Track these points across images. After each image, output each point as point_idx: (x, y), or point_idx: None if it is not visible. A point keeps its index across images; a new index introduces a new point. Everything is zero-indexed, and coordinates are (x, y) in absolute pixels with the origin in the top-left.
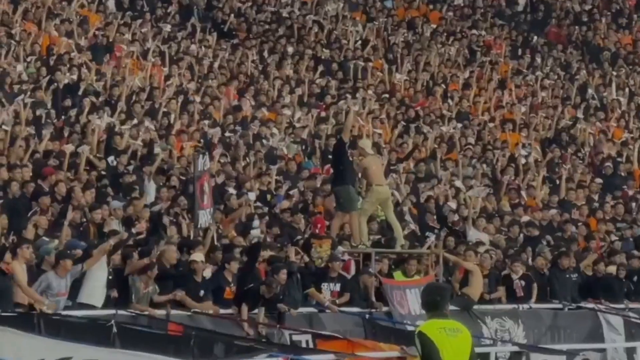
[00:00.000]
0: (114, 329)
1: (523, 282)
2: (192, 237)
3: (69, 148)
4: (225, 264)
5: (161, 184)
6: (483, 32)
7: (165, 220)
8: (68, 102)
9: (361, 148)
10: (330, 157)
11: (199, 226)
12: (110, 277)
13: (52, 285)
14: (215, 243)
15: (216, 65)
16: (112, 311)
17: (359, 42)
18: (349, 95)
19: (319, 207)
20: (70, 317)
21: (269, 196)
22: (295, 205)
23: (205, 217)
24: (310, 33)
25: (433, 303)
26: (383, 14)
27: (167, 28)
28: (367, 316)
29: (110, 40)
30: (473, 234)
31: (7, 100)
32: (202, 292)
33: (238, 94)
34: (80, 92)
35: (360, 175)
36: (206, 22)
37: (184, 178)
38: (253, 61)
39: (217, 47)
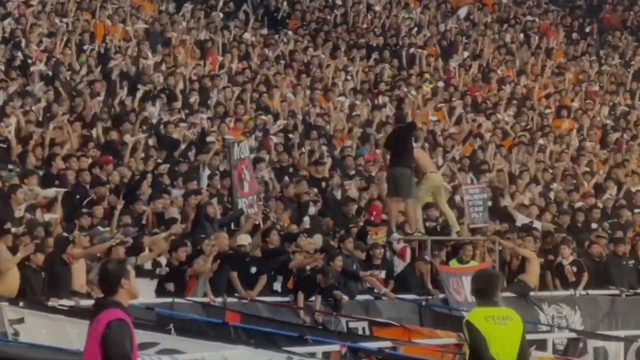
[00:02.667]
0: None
1: (575, 268)
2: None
3: (127, 138)
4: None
5: (216, 172)
6: (537, 19)
7: (211, 210)
8: (123, 92)
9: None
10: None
11: (236, 213)
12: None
13: None
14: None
15: (271, 54)
16: (169, 299)
17: (414, 29)
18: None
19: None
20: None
21: (323, 184)
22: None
23: (246, 204)
24: (364, 21)
25: (481, 291)
26: (437, 0)
27: (220, 16)
28: (423, 303)
29: (165, 29)
30: (523, 220)
31: (64, 88)
32: (254, 269)
33: (292, 84)
34: (135, 82)
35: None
36: (259, 10)
37: None
38: (306, 50)
39: (270, 35)
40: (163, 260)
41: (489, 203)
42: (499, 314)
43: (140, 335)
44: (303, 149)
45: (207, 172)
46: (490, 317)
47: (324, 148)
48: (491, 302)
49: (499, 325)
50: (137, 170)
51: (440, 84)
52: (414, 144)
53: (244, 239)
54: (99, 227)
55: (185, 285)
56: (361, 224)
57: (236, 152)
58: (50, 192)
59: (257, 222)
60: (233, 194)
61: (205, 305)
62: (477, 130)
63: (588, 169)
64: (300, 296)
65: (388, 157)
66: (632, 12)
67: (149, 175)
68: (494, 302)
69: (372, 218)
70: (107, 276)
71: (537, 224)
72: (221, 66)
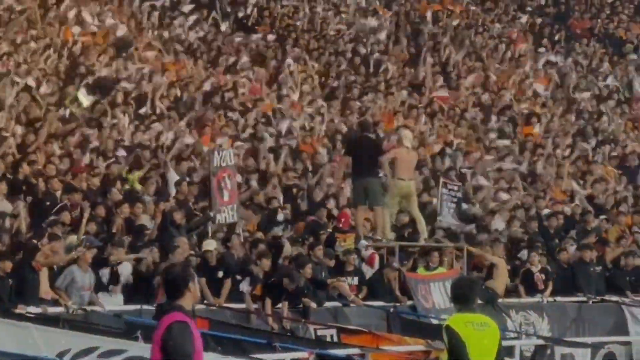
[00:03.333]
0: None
1: (543, 276)
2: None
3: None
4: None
5: (187, 178)
6: (505, 25)
7: (177, 216)
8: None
9: (399, 137)
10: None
11: (216, 222)
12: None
13: (76, 279)
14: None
15: (242, 59)
16: (138, 307)
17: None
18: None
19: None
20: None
21: (294, 190)
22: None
23: (226, 213)
24: (333, 27)
25: (462, 296)
26: (406, 7)
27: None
28: (391, 310)
29: (133, 35)
30: (494, 227)
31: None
32: (220, 273)
33: (261, 88)
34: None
35: (388, 165)
36: (229, 15)
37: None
38: (275, 55)
39: (240, 40)
40: (128, 267)
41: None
42: (477, 320)
43: (108, 343)
44: (273, 155)
45: (175, 178)
46: (469, 322)
47: (294, 154)
48: (470, 308)
49: (478, 331)
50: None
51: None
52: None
53: (210, 244)
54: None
55: (154, 292)
56: (329, 230)
57: (216, 159)
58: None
59: (238, 233)
60: (211, 202)
61: None
62: (447, 137)
63: (556, 175)
64: (268, 303)
65: (350, 164)
66: (599, 20)
67: (119, 182)
68: (473, 308)
69: (341, 225)
70: (176, 280)
71: (506, 230)
72: (190, 71)
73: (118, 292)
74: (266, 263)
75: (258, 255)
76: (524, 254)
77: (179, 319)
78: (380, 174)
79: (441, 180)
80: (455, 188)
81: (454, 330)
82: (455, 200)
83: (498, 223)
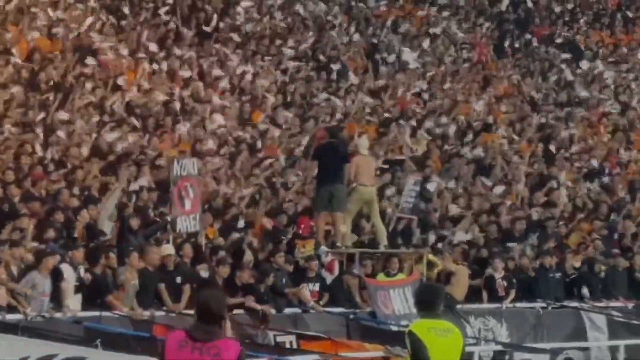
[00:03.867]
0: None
1: (506, 282)
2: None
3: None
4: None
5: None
6: (466, 32)
7: (133, 222)
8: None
9: (355, 145)
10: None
11: (177, 231)
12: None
13: (37, 285)
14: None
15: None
16: (97, 313)
17: (344, 42)
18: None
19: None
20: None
21: (257, 196)
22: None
23: (188, 222)
24: (295, 34)
25: (426, 303)
26: (366, 14)
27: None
28: (351, 316)
29: (94, 41)
30: (453, 233)
31: None
32: (179, 279)
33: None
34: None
35: (350, 173)
36: (188, 23)
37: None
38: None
39: (200, 49)
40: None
41: (422, 205)
42: (441, 326)
43: (67, 350)
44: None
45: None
46: (432, 328)
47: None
48: (434, 315)
49: (441, 337)
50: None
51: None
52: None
53: (169, 249)
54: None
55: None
56: (289, 236)
57: (176, 169)
58: None
59: (200, 243)
60: (171, 210)
61: (133, 319)
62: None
63: (516, 181)
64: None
65: (316, 170)
66: (558, 27)
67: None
68: (437, 314)
69: (301, 231)
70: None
71: (467, 236)
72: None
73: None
74: (225, 270)
75: (217, 262)
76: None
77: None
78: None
79: (409, 176)
80: (416, 183)
81: (417, 336)
82: (414, 194)
83: (458, 230)
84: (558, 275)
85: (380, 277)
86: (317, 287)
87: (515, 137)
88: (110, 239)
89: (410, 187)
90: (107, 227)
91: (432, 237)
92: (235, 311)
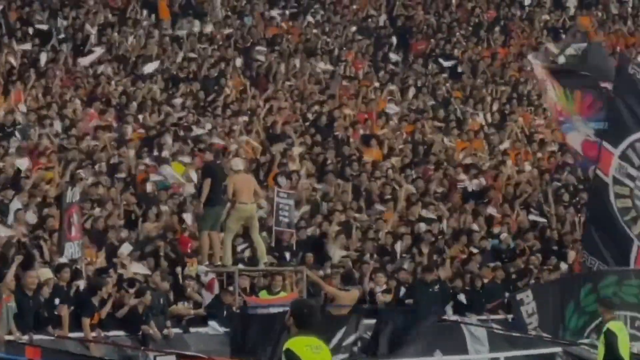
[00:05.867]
0: None
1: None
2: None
3: None
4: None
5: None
6: (344, 48)
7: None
8: None
9: (230, 166)
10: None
11: (64, 257)
12: None
13: None
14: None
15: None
16: None
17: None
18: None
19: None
20: None
21: (132, 216)
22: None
23: (73, 248)
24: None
25: (303, 319)
26: (242, 31)
27: (27, 46)
28: (231, 335)
29: None
30: (332, 250)
31: None
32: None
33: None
34: None
35: (228, 193)
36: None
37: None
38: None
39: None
40: None
41: (295, 213)
42: (314, 343)
43: None
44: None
45: (17, 205)
46: (308, 345)
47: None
48: (310, 331)
49: (315, 354)
50: None
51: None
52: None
53: (46, 274)
54: None
55: None
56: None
57: (69, 195)
58: None
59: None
60: (61, 237)
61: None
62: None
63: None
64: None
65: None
66: (435, 40)
67: None
68: (310, 332)
69: (188, 250)
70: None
71: (341, 253)
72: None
73: None
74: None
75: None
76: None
77: None
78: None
79: (275, 189)
80: (286, 196)
81: (295, 353)
82: (287, 208)
83: (333, 248)
84: (436, 288)
85: (263, 294)
86: (191, 305)
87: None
88: None
89: (280, 200)
90: None
91: (309, 255)
92: (116, 332)
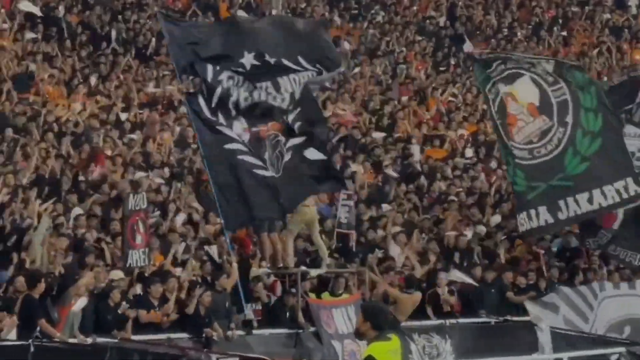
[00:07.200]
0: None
1: (451, 297)
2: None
3: None
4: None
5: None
6: (404, 49)
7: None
8: None
9: None
10: None
11: (127, 265)
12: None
13: None
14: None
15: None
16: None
17: None
18: None
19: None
20: None
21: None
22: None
23: (137, 256)
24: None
25: (378, 322)
26: None
27: (88, 50)
28: (294, 337)
29: (32, 69)
30: (393, 251)
31: None
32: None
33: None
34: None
35: None
36: (126, 45)
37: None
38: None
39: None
40: None
41: (356, 214)
42: (394, 347)
43: None
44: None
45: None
46: (390, 351)
47: None
48: (387, 332)
49: (391, 356)
50: None
51: None
52: None
53: (116, 275)
54: None
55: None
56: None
57: (131, 202)
58: None
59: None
60: (124, 245)
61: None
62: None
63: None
64: None
65: None
66: (496, 41)
67: None
68: (387, 334)
69: (249, 252)
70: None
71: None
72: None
73: None
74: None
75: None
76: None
77: None
78: None
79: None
80: (348, 197)
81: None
82: (348, 208)
83: (394, 250)
84: (495, 289)
85: (325, 296)
86: (259, 306)
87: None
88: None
89: (342, 202)
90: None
91: (372, 256)
92: (179, 335)
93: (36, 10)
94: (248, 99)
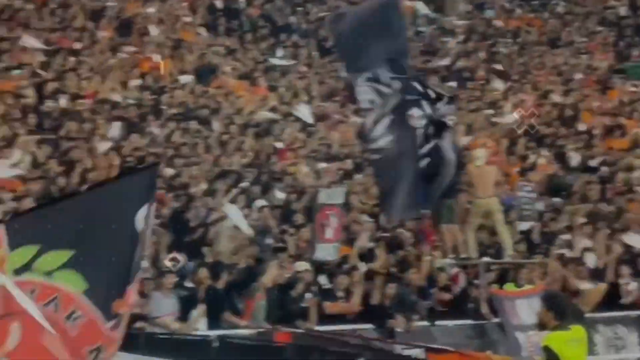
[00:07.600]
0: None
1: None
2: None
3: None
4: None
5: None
6: (585, 39)
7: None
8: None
9: (470, 157)
10: None
11: (315, 258)
12: None
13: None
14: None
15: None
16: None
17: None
18: None
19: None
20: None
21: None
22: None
23: (327, 250)
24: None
25: (561, 311)
26: (484, 24)
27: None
28: (478, 328)
29: (213, 62)
30: (577, 243)
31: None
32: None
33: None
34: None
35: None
36: (308, 37)
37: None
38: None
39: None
40: None
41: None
42: (577, 336)
43: None
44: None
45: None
46: (570, 340)
47: None
48: (570, 321)
49: (576, 347)
50: None
51: None
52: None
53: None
54: None
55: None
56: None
57: (322, 196)
58: None
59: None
60: (313, 238)
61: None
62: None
63: None
64: None
65: None
66: None
67: None
68: (569, 324)
69: (433, 242)
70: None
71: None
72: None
73: None
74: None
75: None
76: None
77: None
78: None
79: (518, 184)
80: (530, 189)
81: (553, 352)
82: (529, 204)
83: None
84: None
85: (509, 287)
86: (447, 296)
87: None
88: None
89: (523, 193)
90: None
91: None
92: (363, 325)
93: None
94: None
